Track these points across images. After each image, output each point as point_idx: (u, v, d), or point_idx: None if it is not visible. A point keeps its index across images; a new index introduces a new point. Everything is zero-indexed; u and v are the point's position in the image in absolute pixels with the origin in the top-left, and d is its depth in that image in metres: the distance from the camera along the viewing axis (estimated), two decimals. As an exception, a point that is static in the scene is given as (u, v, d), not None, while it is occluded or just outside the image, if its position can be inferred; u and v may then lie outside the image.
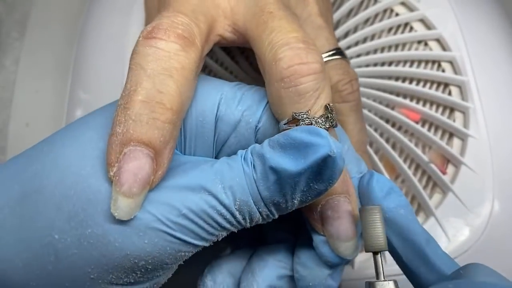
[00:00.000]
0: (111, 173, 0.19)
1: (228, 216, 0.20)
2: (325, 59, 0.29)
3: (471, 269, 0.20)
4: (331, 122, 0.22)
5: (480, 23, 0.38)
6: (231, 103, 0.23)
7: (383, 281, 0.21)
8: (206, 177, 0.20)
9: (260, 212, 0.21)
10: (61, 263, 0.19)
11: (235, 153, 0.22)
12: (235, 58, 0.36)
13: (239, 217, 0.20)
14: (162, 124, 0.20)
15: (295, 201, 0.21)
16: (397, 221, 0.22)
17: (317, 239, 0.23)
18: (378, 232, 0.21)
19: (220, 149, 0.23)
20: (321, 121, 0.22)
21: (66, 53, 0.42)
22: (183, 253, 0.20)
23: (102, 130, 0.21)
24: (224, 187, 0.20)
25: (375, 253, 0.21)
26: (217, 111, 0.23)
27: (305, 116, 0.22)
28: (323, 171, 0.20)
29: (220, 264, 0.25)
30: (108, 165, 0.19)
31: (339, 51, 0.29)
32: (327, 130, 0.22)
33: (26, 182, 0.21)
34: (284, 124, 0.22)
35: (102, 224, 0.19)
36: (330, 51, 0.29)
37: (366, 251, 0.21)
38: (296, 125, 0.21)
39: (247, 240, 0.27)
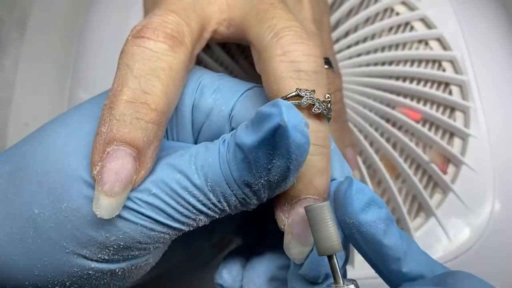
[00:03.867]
0: (94, 172, 0.19)
1: (202, 197, 0.20)
2: None
3: (460, 279, 0.18)
4: (329, 112, 0.21)
5: (480, 22, 0.38)
6: (205, 90, 0.23)
7: (343, 286, 0.19)
8: (181, 159, 0.20)
9: (235, 195, 0.20)
10: (39, 236, 0.20)
11: (209, 141, 0.22)
12: (234, 57, 0.36)
13: (214, 199, 0.20)
14: (146, 124, 0.20)
15: (262, 181, 0.20)
16: (374, 238, 0.20)
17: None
18: (330, 232, 0.19)
19: (197, 137, 0.23)
20: (323, 106, 0.21)
21: (65, 53, 0.42)
22: (156, 233, 0.20)
23: (90, 114, 0.21)
24: (197, 168, 0.20)
25: (329, 257, 0.19)
26: (194, 99, 0.23)
27: (309, 94, 0.20)
28: (277, 143, 0.19)
29: (233, 258, 0.25)
30: (92, 164, 0.20)
31: (327, 61, 0.29)
32: (326, 117, 0.21)
33: (15, 161, 0.21)
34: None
35: (76, 199, 0.20)
36: None
37: (320, 255, 0.19)
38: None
39: (255, 234, 0.27)
